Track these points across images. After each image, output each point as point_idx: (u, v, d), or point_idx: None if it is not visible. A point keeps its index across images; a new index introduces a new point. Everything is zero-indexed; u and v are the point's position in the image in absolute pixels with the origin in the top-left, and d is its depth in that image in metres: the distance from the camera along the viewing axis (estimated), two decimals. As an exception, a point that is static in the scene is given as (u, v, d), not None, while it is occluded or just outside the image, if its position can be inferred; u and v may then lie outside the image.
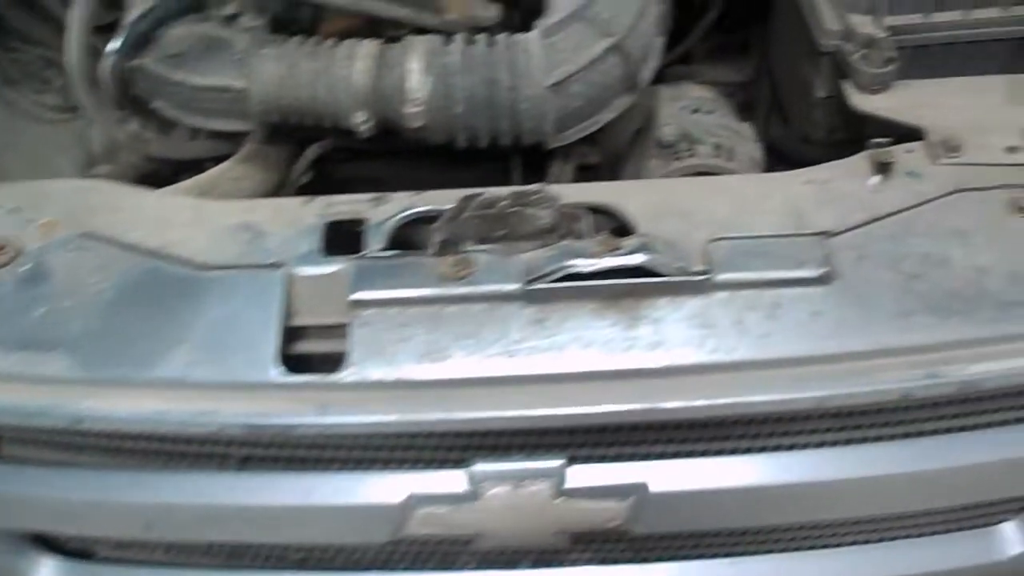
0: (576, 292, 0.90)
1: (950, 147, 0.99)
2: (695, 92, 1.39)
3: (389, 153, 1.21)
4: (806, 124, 1.25)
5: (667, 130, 1.26)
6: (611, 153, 1.30)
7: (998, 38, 1.13)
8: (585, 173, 1.28)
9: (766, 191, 0.97)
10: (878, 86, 1.07)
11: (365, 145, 1.12)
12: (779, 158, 1.36)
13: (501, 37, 1.03)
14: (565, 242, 0.92)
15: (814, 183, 0.98)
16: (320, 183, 1.22)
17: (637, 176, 1.28)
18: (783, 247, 0.91)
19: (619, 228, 0.97)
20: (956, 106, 1.06)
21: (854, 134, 1.13)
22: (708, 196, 0.97)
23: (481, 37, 1.04)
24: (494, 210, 0.93)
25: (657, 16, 1.06)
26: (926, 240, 0.93)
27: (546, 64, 1.00)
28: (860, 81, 1.08)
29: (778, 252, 0.91)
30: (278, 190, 1.15)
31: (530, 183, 1.18)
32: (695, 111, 1.33)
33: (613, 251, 0.90)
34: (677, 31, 1.49)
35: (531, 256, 0.92)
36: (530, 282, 0.90)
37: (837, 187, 0.97)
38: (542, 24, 1.03)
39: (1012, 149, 1.00)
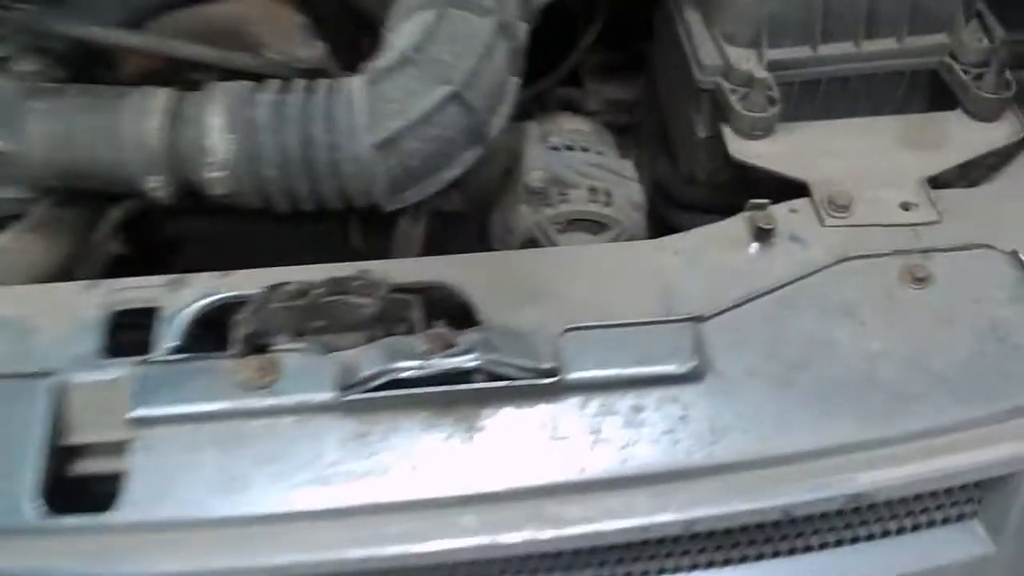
0: (403, 400, 0.75)
1: (838, 205, 0.87)
2: (571, 124, 1.26)
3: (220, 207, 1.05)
4: (690, 163, 1.13)
5: (535, 175, 1.11)
6: (478, 197, 1.16)
7: (893, 71, 1.02)
8: (447, 222, 1.14)
9: (631, 264, 0.84)
10: (759, 131, 0.95)
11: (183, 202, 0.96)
12: (665, 197, 1.23)
13: (322, 84, 0.87)
14: (390, 338, 0.77)
15: (684, 253, 0.84)
16: (139, 245, 1.05)
17: (507, 223, 1.14)
18: (647, 336, 0.78)
19: (460, 313, 0.83)
20: (847, 153, 0.94)
21: (740, 178, 1.01)
22: (564, 271, 0.84)
23: (300, 83, 0.88)
24: (306, 300, 0.78)
25: (507, 55, 0.91)
26: (811, 320, 0.80)
27: (372, 117, 0.84)
28: (739, 126, 0.95)
29: (641, 343, 0.77)
30: (79, 261, 0.98)
31: (375, 241, 1.04)
32: (569, 148, 1.19)
33: (446, 349, 0.76)
34: (561, 48, 1.36)
35: (350, 357, 0.77)
36: (347, 390, 0.75)
37: (711, 258, 0.84)
38: (369, 69, 0.87)
39: (906, 206, 0.88)
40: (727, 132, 0.96)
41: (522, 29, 0.98)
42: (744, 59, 0.97)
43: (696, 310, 0.79)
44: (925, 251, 0.84)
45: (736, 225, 0.86)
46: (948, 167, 0.92)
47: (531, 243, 1.14)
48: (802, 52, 0.98)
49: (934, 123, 0.97)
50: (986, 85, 0.96)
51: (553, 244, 1.13)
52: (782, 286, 0.81)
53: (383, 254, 1.01)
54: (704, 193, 1.13)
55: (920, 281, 0.82)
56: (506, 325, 0.79)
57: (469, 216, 1.16)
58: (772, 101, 0.95)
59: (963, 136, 0.95)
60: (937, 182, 0.91)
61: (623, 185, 1.16)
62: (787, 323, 0.80)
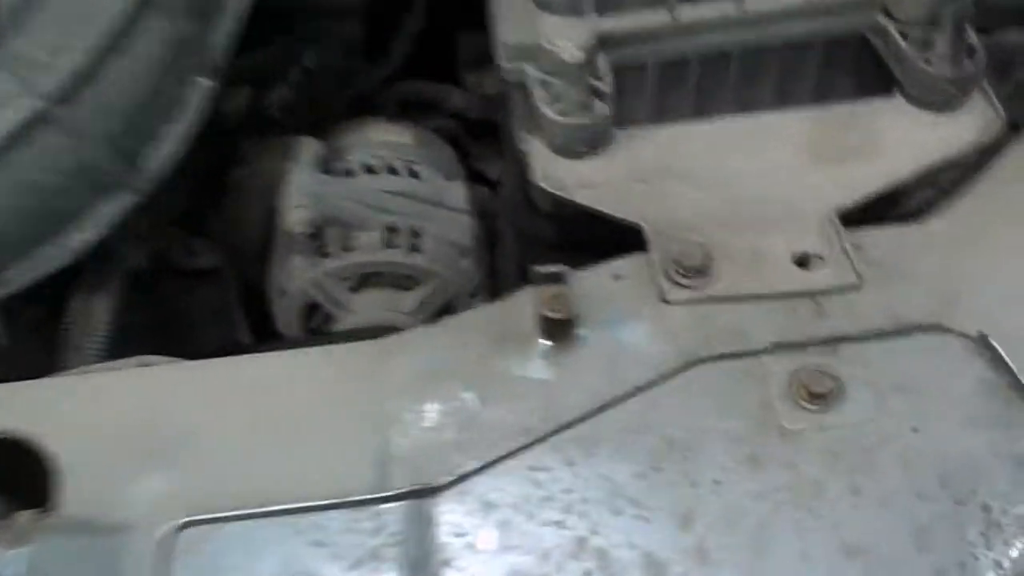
0: None
1: (688, 267, 0.54)
2: (383, 135, 0.92)
3: None
4: (527, 186, 0.79)
5: (298, 215, 0.78)
6: (238, 247, 0.83)
7: (799, 42, 0.67)
8: (196, 285, 0.81)
9: (330, 388, 0.50)
10: (581, 145, 0.61)
11: None
12: (514, 228, 0.90)
13: None
14: None
15: (423, 362, 0.51)
16: None
17: (282, 282, 0.81)
18: (329, 532, 0.45)
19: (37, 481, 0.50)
20: (718, 173, 0.60)
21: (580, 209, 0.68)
22: (214, 403, 0.50)
23: None
24: None
25: (166, 43, 0.56)
26: (628, 483, 0.46)
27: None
28: (549, 136, 0.62)
29: (316, 543, 0.45)
30: None
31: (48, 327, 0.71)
32: (370, 170, 0.86)
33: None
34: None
35: None
36: None
37: (468, 371, 0.50)
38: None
39: (803, 260, 0.54)
40: (535, 146, 0.62)
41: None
42: (560, 32, 0.63)
43: (425, 474, 0.46)
44: (831, 341, 0.50)
45: (519, 309, 0.52)
46: (877, 190, 0.58)
47: (312, 308, 0.82)
48: (654, 18, 0.64)
49: (860, 118, 0.62)
50: (938, 55, 0.62)
51: (341, 308, 0.81)
52: (579, 420, 0.48)
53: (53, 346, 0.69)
54: (547, 229, 0.79)
55: (819, 399, 0.48)
56: (92, 514, 0.46)
57: (228, 274, 0.84)
58: (598, 95, 0.61)
59: (903, 136, 0.60)
60: (863, 212, 0.58)
61: (442, 219, 0.83)
62: (583, 492, 0.46)
